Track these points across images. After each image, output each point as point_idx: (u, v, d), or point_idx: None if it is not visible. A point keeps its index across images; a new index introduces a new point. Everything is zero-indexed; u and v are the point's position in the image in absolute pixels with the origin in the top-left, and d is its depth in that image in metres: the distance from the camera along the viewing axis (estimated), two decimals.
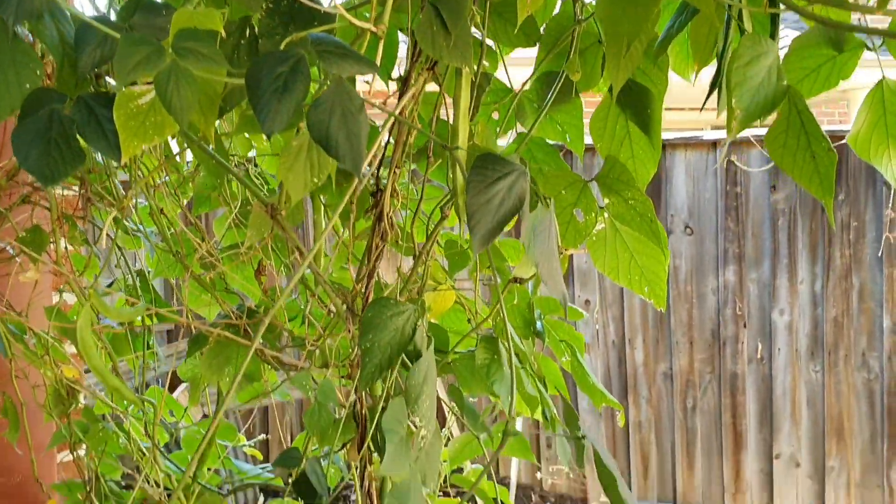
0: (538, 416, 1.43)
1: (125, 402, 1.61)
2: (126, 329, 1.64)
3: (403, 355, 0.96)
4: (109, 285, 1.71)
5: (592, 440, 0.73)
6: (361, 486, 1.10)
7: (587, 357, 5.55)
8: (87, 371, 1.67)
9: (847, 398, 4.85)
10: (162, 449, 1.46)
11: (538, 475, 5.73)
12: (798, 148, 0.78)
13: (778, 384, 5.00)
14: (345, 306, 1.06)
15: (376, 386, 1.13)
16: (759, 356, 5.05)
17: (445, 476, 1.65)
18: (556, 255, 0.80)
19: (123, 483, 1.73)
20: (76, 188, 1.45)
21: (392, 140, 1.04)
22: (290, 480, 1.03)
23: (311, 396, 1.05)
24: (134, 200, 1.45)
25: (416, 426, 0.89)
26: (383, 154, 1.04)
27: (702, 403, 5.24)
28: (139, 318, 1.75)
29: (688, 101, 7.88)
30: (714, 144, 5.09)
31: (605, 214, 0.97)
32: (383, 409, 1.02)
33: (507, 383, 1.00)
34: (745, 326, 5.08)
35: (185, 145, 1.57)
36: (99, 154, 1.28)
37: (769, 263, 5.00)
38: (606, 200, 0.96)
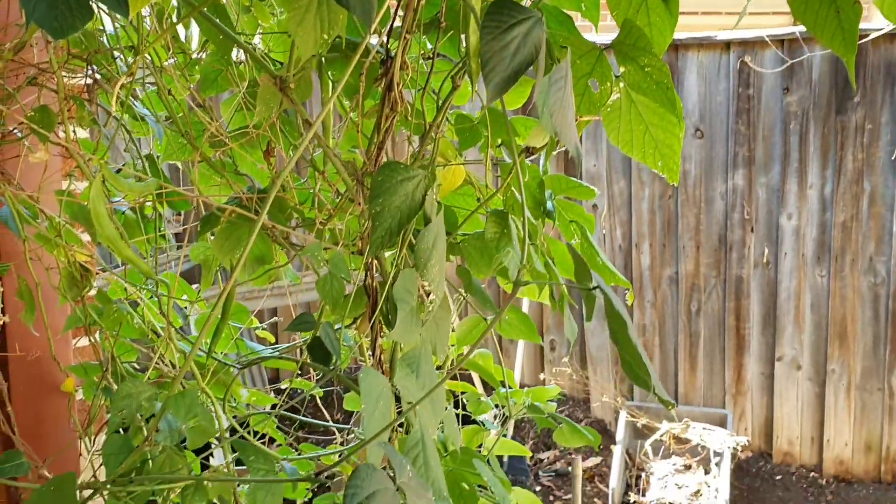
0: (545, 298, 1.45)
1: (139, 281, 1.62)
2: (137, 213, 1.64)
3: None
4: (118, 171, 1.71)
5: (605, 290, 0.73)
6: (372, 358, 1.12)
7: None
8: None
9: (852, 302, 4.88)
10: (177, 329, 1.48)
11: (541, 376, 5.83)
12: (821, 3, 0.76)
13: (783, 288, 5.03)
14: (354, 181, 1.05)
15: (386, 261, 1.14)
16: (765, 261, 5.07)
17: (453, 360, 1.68)
18: (571, 105, 0.79)
19: (139, 367, 1.76)
20: (81, 75, 1.44)
21: (402, 9, 1.02)
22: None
23: (319, 271, 1.06)
24: (142, 80, 1.44)
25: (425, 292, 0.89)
26: (391, 23, 1.02)
27: (706, 307, 5.29)
28: (150, 203, 1.75)
29: (701, 6, 7.65)
30: (727, 45, 4.99)
31: (621, 84, 0.95)
32: (393, 280, 1.03)
33: (516, 256, 1.01)
34: (752, 231, 5.08)
35: (192, 26, 1.54)
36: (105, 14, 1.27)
37: (779, 167, 4.96)
38: (622, 69, 0.94)
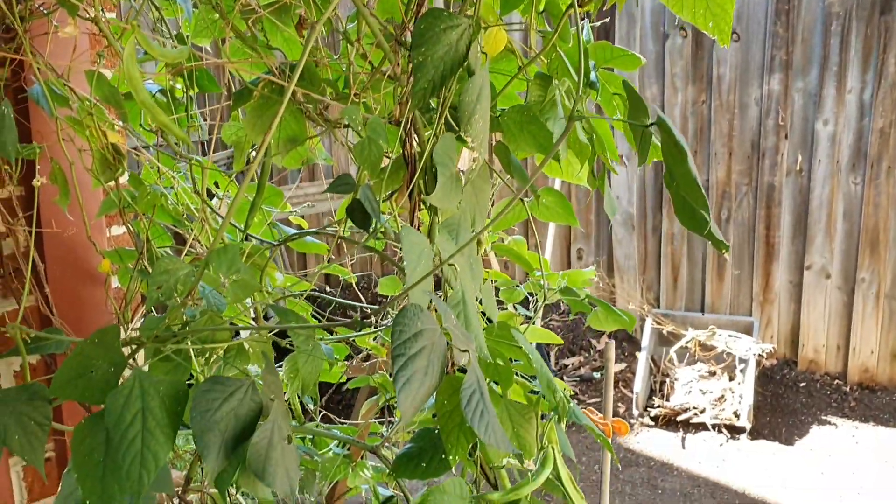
0: (584, 176, 1.41)
1: (171, 165, 1.61)
2: (168, 95, 1.62)
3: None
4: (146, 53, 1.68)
5: (664, 120, 0.70)
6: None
7: (623, 169, 5.49)
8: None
9: (885, 211, 4.80)
10: (212, 208, 1.48)
11: None
12: None
13: (815, 196, 4.95)
14: (391, 41, 1.02)
15: (424, 133, 1.12)
16: (798, 168, 4.98)
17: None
18: None
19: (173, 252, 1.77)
20: None
21: None
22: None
23: (357, 129, 1.03)
24: None
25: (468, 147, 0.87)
26: None
27: (736, 215, 5.23)
28: (180, 87, 1.73)
29: None
30: None
31: None
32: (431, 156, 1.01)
33: (560, 122, 0.98)
34: (786, 137, 4.98)
35: None
36: None
37: (817, 71, 4.82)
38: None
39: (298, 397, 1.72)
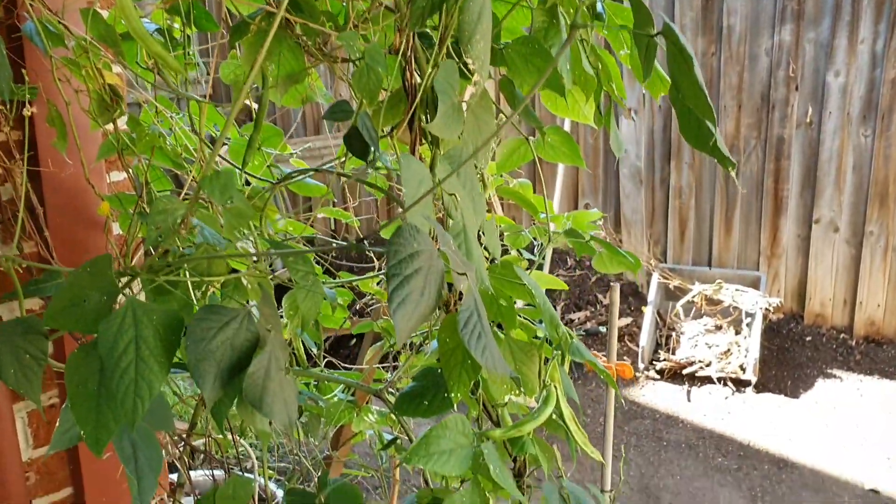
0: (589, 119, 1.38)
1: (170, 105, 1.59)
2: (165, 35, 1.59)
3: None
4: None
5: (671, 27, 0.67)
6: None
7: (633, 122, 5.43)
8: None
9: (895, 163, 4.75)
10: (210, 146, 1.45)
11: None
12: None
13: (825, 149, 4.90)
14: None
15: (426, 66, 1.08)
16: (808, 120, 4.91)
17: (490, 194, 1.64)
18: None
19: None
20: None
21: None
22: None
23: (354, 56, 1.00)
24: None
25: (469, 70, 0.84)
26: None
27: (745, 168, 5.18)
28: (177, 27, 1.69)
29: None
30: None
31: None
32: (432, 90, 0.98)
33: (564, 50, 0.95)
34: (796, 89, 4.90)
35: None
36: None
37: (829, 21, 4.73)
38: None
39: (303, 343, 1.71)
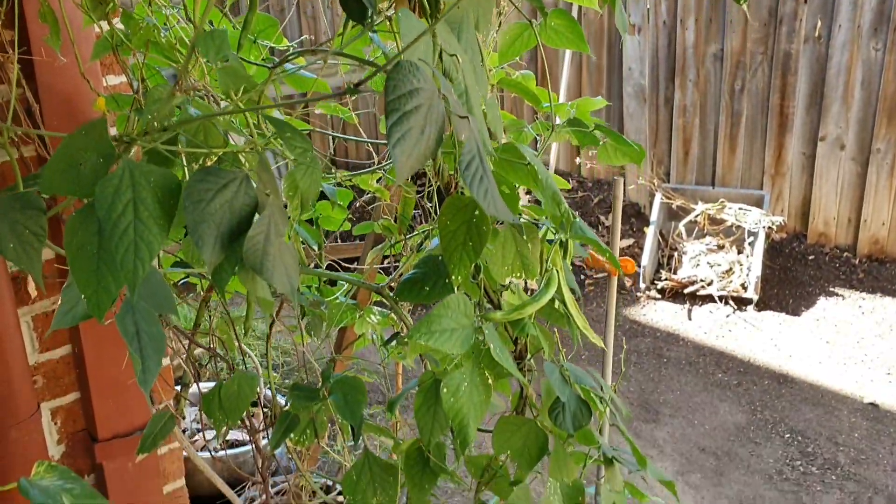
0: (594, 3, 1.35)
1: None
2: None
3: None
4: None
5: None
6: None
7: (635, 38, 5.33)
8: None
9: None
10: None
11: (577, 160, 5.78)
12: None
13: (833, 64, 4.81)
14: None
15: None
16: (816, 34, 4.82)
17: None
18: None
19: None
20: None
21: None
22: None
23: None
24: None
25: None
26: None
27: (750, 85, 5.10)
28: None
29: None
30: None
31: None
32: None
33: None
34: (805, 2, 4.80)
35: None
36: None
37: None
38: None
39: (303, 244, 1.71)
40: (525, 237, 1.12)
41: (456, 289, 1.12)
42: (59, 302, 1.01)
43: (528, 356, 1.20)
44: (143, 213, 0.77)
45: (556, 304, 1.30)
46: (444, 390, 1.07)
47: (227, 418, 1.60)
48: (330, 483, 2.63)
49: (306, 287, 1.78)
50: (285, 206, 0.88)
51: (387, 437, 1.52)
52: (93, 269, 0.78)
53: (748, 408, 3.91)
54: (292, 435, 1.64)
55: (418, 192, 1.65)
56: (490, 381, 1.11)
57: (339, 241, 4.71)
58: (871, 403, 3.89)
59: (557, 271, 1.16)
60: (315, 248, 1.58)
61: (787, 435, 3.68)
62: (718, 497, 3.27)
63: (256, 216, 0.81)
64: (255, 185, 0.81)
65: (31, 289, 1.85)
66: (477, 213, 1.10)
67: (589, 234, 1.16)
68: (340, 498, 2.64)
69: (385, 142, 0.94)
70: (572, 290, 1.25)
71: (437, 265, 1.21)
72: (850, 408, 3.87)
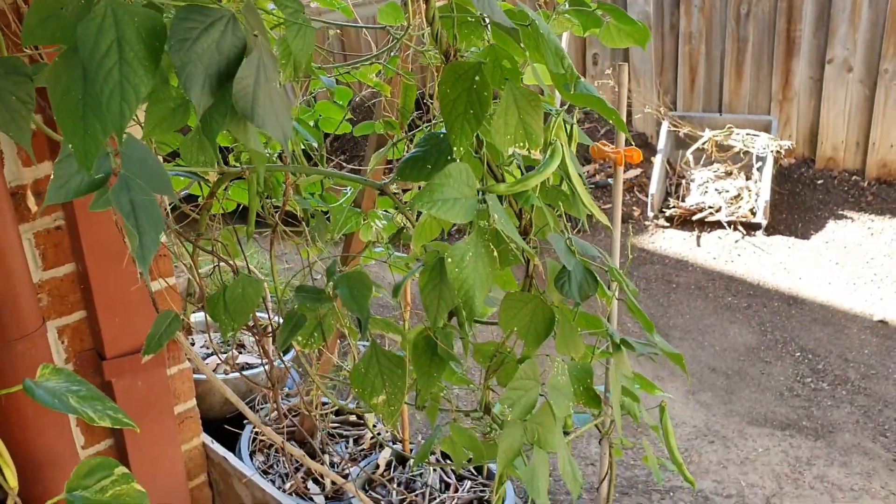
0: None
1: None
2: None
3: None
4: None
5: None
6: None
7: None
8: None
9: None
10: None
11: None
12: None
13: None
14: None
15: None
16: None
17: None
18: None
19: None
20: None
21: None
22: None
23: None
24: None
25: None
26: None
27: (756, 10, 5.00)
28: None
29: None
30: None
31: None
32: None
33: None
34: None
35: None
36: None
37: None
38: None
39: (303, 145, 1.68)
40: (528, 104, 1.09)
41: (458, 161, 1.09)
42: (52, 177, 0.99)
43: (532, 231, 1.17)
44: (129, 54, 0.74)
45: (563, 185, 1.28)
46: (449, 261, 1.05)
47: (233, 321, 1.59)
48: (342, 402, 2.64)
49: (309, 194, 1.75)
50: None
51: (395, 332, 1.51)
52: (79, 116, 0.76)
53: (758, 329, 3.90)
54: (300, 338, 1.64)
55: (419, 91, 1.62)
56: (496, 254, 1.09)
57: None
58: (881, 321, 3.88)
59: (562, 144, 1.13)
60: (316, 145, 1.56)
61: (798, 353, 3.68)
62: (729, 414, 3.28)
63: (245, 60, 0.78)
64: (242, 27, 0.78)
65: (31, 204, 1.84)
66: (478, 79, 1.07)
67: (592, 91, 1.12)
68: (353, 418, 2.66)
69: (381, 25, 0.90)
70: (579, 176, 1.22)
71: (439, 142, 1.18)
72: (859, 326, 3.86)
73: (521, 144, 1.09)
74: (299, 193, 1.66)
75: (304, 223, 1.67)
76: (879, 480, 2.86)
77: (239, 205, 1.93)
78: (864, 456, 2.99)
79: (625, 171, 5.34)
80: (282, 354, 1.63)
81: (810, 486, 2.85)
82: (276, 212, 1.65)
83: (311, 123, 1.65)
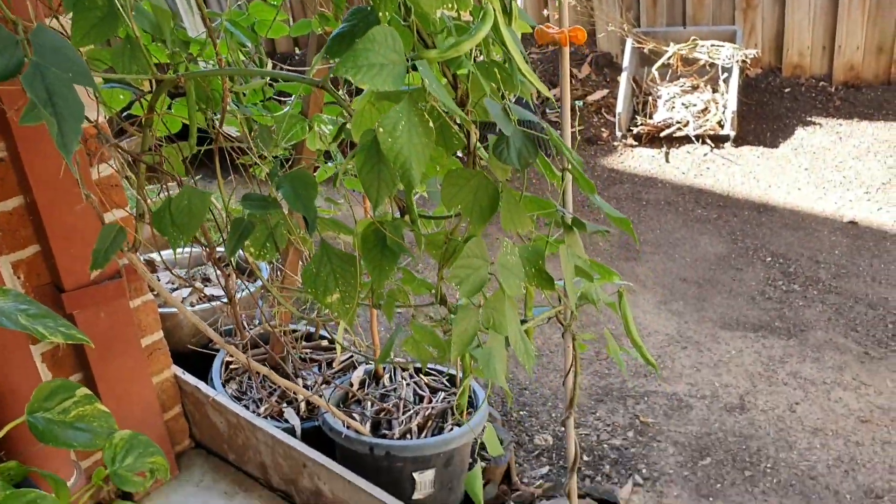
0: None
1: None
2: None
3: None
4: None
5: None
6: None
7: None
8: None
9: None
10: None
11: (544, 12, 5.62)
12: None
13: None
14: None
15: None
16: None
17: None
18: None
19: None
20: None
21: None
22: None
23: None
24: None
25: None
26: None
27: None
28: None
29: None
30: None
31: None
32: None
33: None
34: None
35: None
36: None
37: None
38: None
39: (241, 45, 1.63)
40: None
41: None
42: None
43: (470, 102, 1.14)
44: None
45: (504, 62, 1.23)
46: (381, 130, 1.02)
47: (181, 234, 1.56)
48: (312, 330, 2.63)
49: (252, 103, 1.71)
50: None
51: (346, 233, 1.48)
52: None
53: (728, 238, 3.91)
54: (252, 249, 1.61)
55: None
56: (431, 124, 1.06)
57: None
58: (851, 221, 3.89)
59: (493, 7, 1.09)
60: (252, 47, 1.51)
61: (769, 259, 3.69)
62: (702, 321, 3.29)
63: None
64: None
65: None
66: None
67: None
68: (325, 344, 2.64)
69: None
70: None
71: (367, 15, 1.14)
72: (830, 228, 3.88)
73: (450, 5, 1.05)
74: (240, 103, 1.61)
75: (248, 135, 1.62)
76: (851, 373, 2.89)
77: (185, 125, 1.88)
78: (835, 351, 3.02)
79: (590, 94, 5.29)
80: (234, 265, 1.60)
81: (783, 383, 2.88)
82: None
83: (248, 28, 1.59)
